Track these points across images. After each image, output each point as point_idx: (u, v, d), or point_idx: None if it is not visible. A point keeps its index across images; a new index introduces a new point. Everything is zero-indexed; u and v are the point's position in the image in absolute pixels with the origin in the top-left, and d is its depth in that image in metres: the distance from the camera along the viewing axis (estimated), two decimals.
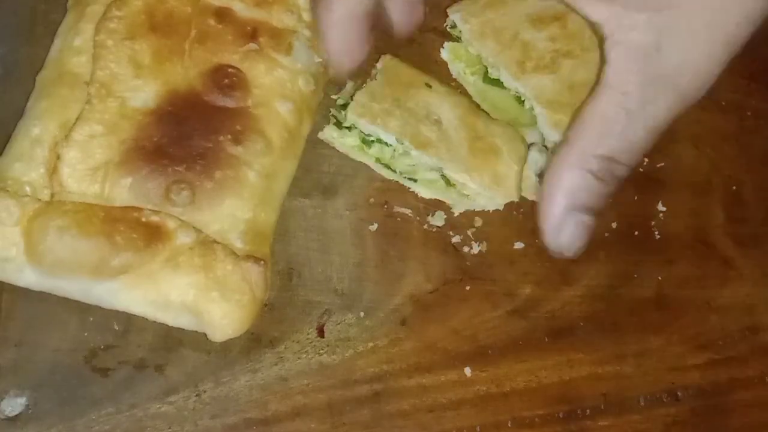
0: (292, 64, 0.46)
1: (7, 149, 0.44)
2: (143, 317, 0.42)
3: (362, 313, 0.47)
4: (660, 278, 0.51)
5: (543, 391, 0.47)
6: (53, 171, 0.42)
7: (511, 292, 0.49)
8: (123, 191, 0.42)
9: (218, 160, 0.43)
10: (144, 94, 0.44)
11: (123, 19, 0.45)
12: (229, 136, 0.44)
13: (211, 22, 0.46)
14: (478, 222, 0.49)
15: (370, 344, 0.46)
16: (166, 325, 0.44)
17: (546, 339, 0.48)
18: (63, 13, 0.49)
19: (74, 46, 0.45)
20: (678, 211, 0.52)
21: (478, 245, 0.49)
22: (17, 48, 0.48)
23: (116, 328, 0.44)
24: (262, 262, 0.42)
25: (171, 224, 0.41)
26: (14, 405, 0.42)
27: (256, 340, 0.45)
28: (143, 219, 0.41)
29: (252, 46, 0.46)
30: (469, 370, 0.47)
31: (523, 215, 0.50)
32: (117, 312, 0.43)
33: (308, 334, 0.46)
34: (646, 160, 0.52)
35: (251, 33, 0.46)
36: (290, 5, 0.48)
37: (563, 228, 0.42)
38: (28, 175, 0.42)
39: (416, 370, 0.46)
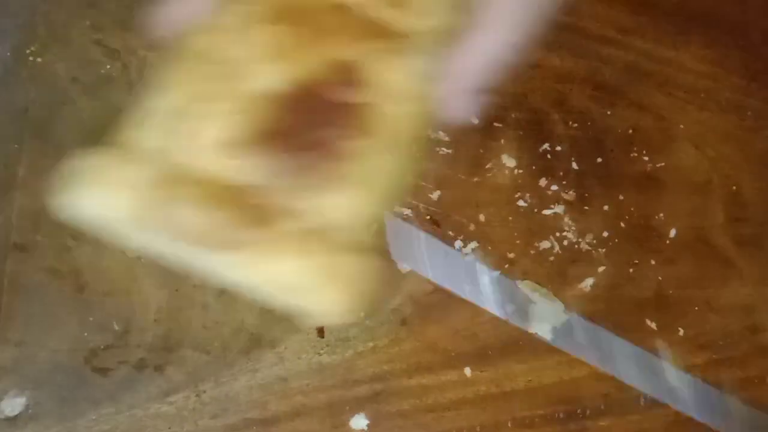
0: (409, 66, 0.47)
1: (136, 116, 0.45)
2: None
3: (362, 313, 0.47)
4: (660, 278, 0.51)
5: (543, 391, 0.47)
6: (180, 141, 0.43)
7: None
8: (244, 170, 0.43)
9: (335, 150, 0.44)
10: (271, 78, 0.45)
11: (259, 5, 0.46)
12: (349, 131, 0.44)
13: (335, 17, 0.46)
14: (482, 219, 0.49)
15: (370, 344, 0.46)
16: (166, 325, 0.44)
17: (546, 339, 0.48)
18: (64, 13, 0.49)
19: (209, 25, 0.46)
20: (678, 211, 0.52)
21: (478, 245, 0.49)
22: (17, 48, 0.48)
23: (116, 328, 0.44)
24: (367, 254, 0.43)
25: (285, 208, 0.42)
26: (14, 405, 0.42)
27: (256, 340, 0.45)
28: (260, 199, 0.42)
29: (371, 44, 0.46)
30: (469, 370, 0.47)
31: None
32: (117, 312, 0.43)
33: (308, 334, 0.46)
34: (647, 159, 0.52)
35: (373, 32, 0.47)
36: (413, 7, 0.48)
37: (460, 104, 0.44)
38: (154, 144, 0.43)
39: (416, 370, 0.46)
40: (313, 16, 0.46)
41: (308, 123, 0.44)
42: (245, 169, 0.43)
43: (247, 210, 0.42)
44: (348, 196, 0.44)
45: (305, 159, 0.43)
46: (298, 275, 0.42)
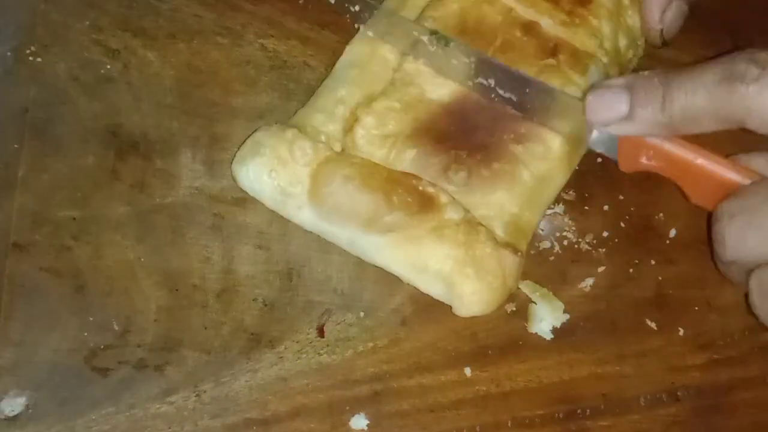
0: (584, 84, 0.48)
1: (311, 102, 0.48)
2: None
3: (362, 313, 0.47)
4: (660, 278, 0.51)
5: (543, 391, 0.47)
6: (349, 129, 0.46)
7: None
8: (405, 161, 0.46)
9: (498, 154, 0.46)
10: (441, 90, 0.47)
11: (438, 21, 0.48)
12: (512, 136, 0.47)
13: (517, 33, 0.48)
14: None
15: (370, 344, 0.46)
16: (166, 325, 0.44)
17: (546, 339, 0.48)
18: (63, 13, 0.49)
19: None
20: (678, 211, 0.52)
21: None
22: (17, 48, 0.48)
23: (116, 328, 0.44)
24: (519, 253, 0.45)
25: (443, 198, 0.44)
26: (14, 405, 0.42)
27: (256, 340, 0.45)
28: (420, 187, 0.44)
29: (550, 61, 0.48)
30: (469, 370, 0.47)
31: None
32: (117, 312, 0.44)
33: (308, 334, 0.46)
34: None
35: (552, 50, 0.48)
36: (594, 30, 0.50)
37: (667, 10, 0.49)
38: (325, 127, 0.46)
39: (416, 370, 0.46)
40: (496, 32, 0.48)
41: (475, 127, 0.47)
42: (410, 160, 0.46)
43: (414, 195, 0.44)
44: (505, 197, 0.46)
45: (461, 157, 0.46)
46: (452, 263, 0.44)
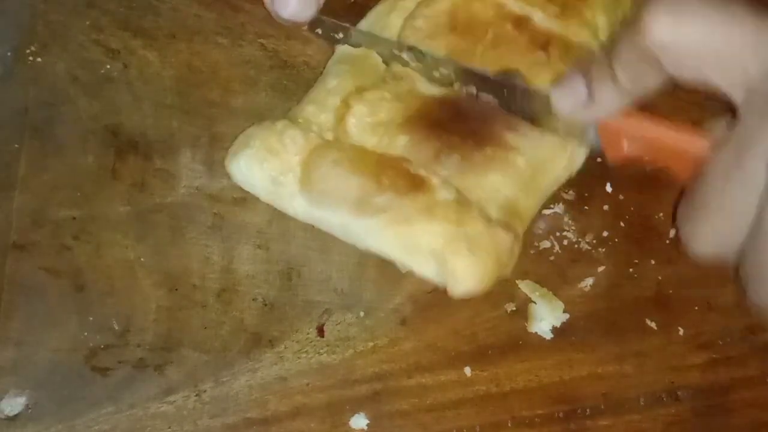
0: None
1: (305, 97, 0.48)
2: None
3: (362, 313, 0.47)
4: (660, 278, 0.51)
5: (543, 391, 0.47)
6: (340, 118, 0.46)
7: (511, 292, 0.49)
8: (398, 147, 0.46)
9: (491, 140, 0.46)
10: (432, 87, 0.47)
11: (429, 19, 0.48)
12: (505, 124, 0.47)
13: (509, 27, 0.48)
14: None
15: (370, 344, 0.46)
16: (166, 325, 0.44)
17: (546, 339, 0.48)
18: (63, 13, 0.49)
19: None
20: None
21: None
22: (17, 48, 0.48)
23: (116, 328, 0.44)
24: (513, 232, 0.45)
25: (435, 180, 0.44)
26: (14, 405, 0.42)
27: (255, 340, 0.45)
28: (411, 170, 0.44)
29: (541, 55, 0.48)
30: (469, 370, 0.47)
31: None
32: (117, 312, 0.44)
33: (308, 333, 0.46)
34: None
35: (543, 43, 0.48)
36: (588, 22, 0.49)
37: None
38: (317, 117, 0.46)
39: (416, 370, 0.46)
40: (487, 27, 0.48)
41: (467, 116, 0.47)
42: (402, 147, 0.46)
43: (404, 177, 0.44)
44: (499, 181, 0.46)
45: (453, 142, 0.46)
46: (444, 240, 0.44)
